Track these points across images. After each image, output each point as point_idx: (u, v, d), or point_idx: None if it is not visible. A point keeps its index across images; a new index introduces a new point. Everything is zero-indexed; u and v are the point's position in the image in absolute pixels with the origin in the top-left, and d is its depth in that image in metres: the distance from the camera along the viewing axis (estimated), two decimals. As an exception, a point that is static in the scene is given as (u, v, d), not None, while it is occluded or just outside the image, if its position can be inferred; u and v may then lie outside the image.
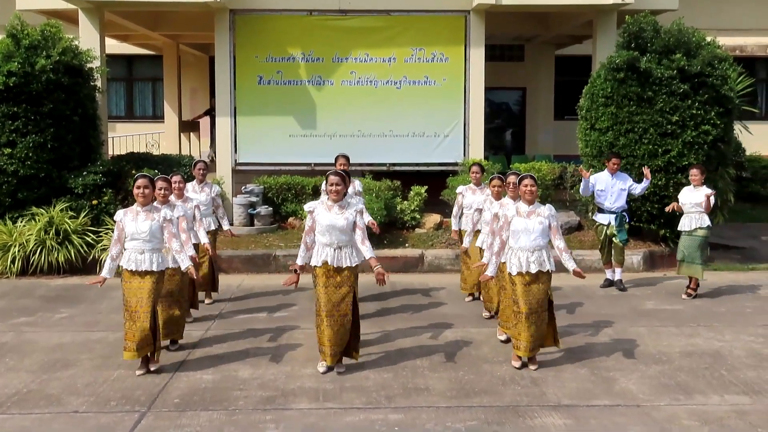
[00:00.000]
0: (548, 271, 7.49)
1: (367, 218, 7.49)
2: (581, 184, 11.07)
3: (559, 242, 7.54)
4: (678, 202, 10.61)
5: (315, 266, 7.35)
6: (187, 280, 8.37)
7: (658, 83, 11.96)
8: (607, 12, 14.11)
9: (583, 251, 12.24)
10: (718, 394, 6.91)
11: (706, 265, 10.68)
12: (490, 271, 7.61)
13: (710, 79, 11.98)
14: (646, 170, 10.99)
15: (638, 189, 10.95)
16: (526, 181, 7.49)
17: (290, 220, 13.60)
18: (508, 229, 7.51)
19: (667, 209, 10.86)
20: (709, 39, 12.44)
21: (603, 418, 6.37)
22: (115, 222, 7.39)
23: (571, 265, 7.52)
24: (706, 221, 10.41)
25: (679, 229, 10.67)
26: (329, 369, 7.40)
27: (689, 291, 10.60)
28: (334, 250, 7.25)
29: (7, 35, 12.26)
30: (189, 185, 9.85)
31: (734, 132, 13.07)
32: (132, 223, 7.24)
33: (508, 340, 8.18)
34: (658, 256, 12.51)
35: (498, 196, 8.82)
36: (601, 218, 11.00)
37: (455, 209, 10.15)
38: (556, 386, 7.08)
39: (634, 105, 12.12)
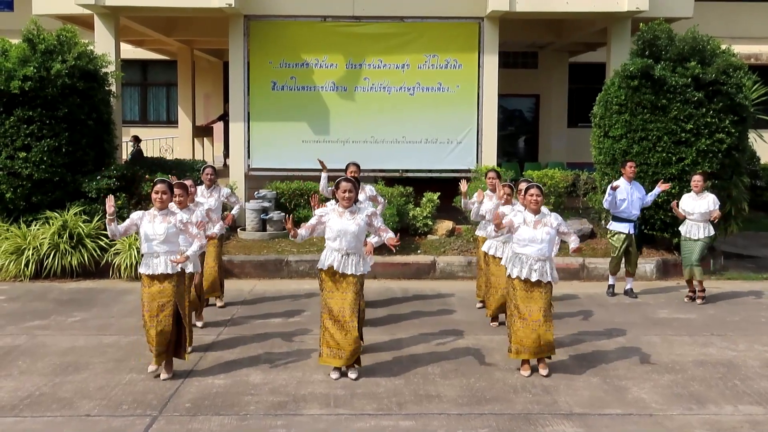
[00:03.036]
0: (549, 282, 7.50)
1: (387, 235, 7.43)
2: (608, 197, 10.72)
3: (573, 238, 7.71)
4: (678, 207, 10.71)
5: (321, 269, 7.40)
6: (184, 291, 8.29)
7: (672, 91, 11.91)
8: (621, 19, 14.09)
9: (596, 259, 12.20)
10: (731, 404, 6.87)
11: (701, 267, 10.66)
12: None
13: (725, 87, 11.93)
14: (662, 185, 10.87)
15: (650, 197, 10.91)
16: (532, 191, 7.52)
17: (302, 225, 13.58)
18: (509, 231, 7.57)
19: (672, 205, 10.83)
20: (723, 47, 12.39)
21: (615, 427, 6.35)
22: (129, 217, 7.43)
23: (573, 244, 7.71)
24: (712, 230, 10.53)
25: (682, 234, 10.71)
26: (341, 375, 7.40)
27: (700, 295, 10.63)
28: (342, 256, 7.29)
29: (24, 40, 12.34)
30: (198, 189, 9.87)
31: (749, 140, 13.01)
32: (149, 224, 7.29)
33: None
34: (671, 264, 12.44)
35: (508, 202, 9.08)
36: (620, 227, 10.91)
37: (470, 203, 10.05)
38: (568, 394, 7.05)
39: (648, 113, 12.08)
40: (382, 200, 10.13)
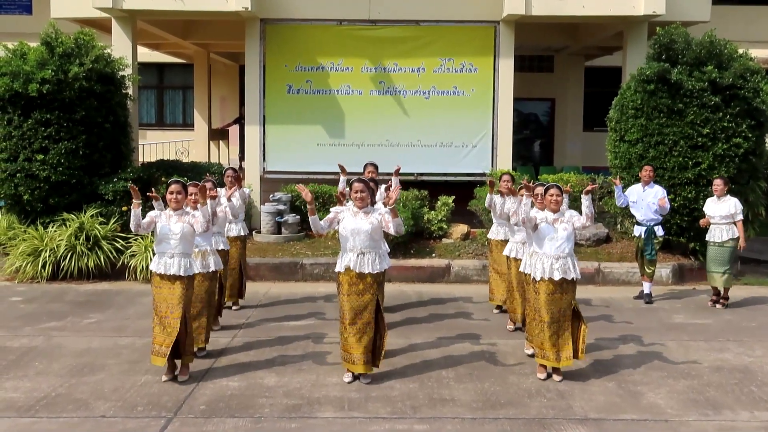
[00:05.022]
0: (573, 279, 7.46)
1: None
2: (615, 194, 11.06)
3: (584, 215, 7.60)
4: (705, 216, 10.69)
5: (338, 272, 7.40)
6: (215, 288, 8.42)
7: (689, 95, 11.87)
8: (637, 23, 14.04)
9: (611, 263, 12.15)
10: (747, 410, 6.82)
11: (733, 276, 10.64)
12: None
13: (742, 91, 11.88)
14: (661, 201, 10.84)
15: (665, 207, 10.85)
16: (552, 191, 7.51)
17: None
18: (531, 225, 7.52)
19: (701, 223, 10.83)
20: (741, 51, 12.33)
21: (630, 432, 6.33)
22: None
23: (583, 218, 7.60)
24: (736, 233, 10.43)
25: (707, 239, 10.69)
26: (355, 378, 7.41)
27: (722, 301, 10.59)
28: (357, 255, 7.27)
29: (42, 43, 12.43)
30: (220, 191, 9.93)
31: (766, 145, 12.93)
32: (165, 224, 7.33)
33: (534, 355, 8.11)
34: (688, 269, 12.38)
35: (509, 192, 9.16)
36: (636, 230, 10.99)
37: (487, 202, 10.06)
38: (583, 399, 7.03)
39: (665, 117, 12.03)
40: None
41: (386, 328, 7.51)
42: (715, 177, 10.93)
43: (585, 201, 7.58)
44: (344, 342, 7.35)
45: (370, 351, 7.34)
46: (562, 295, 7.43)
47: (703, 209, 10.84)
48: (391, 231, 7.29)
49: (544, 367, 7.56)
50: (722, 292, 10.67)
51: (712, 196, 10.81)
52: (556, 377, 7.50)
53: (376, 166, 9.87)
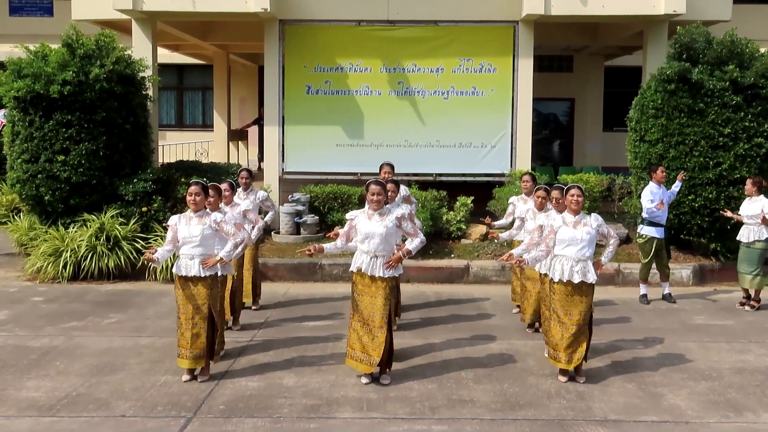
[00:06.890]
0: (591, 283, 7.42)
1: (411, 245, 7.42)
2: (653, 207, 10.64)
3: (612, 241, 7.60)
4: (739, 214, 10.72)
5: (352, 271, 7.43)
6: (219, 294, 8.29)
7: (709, 95, 11.79)
8: (658, 23, 13.96)
9: (631, 264, 12.07)
10: (769, 412, 6.78)
11: (763, 277, 10.54)
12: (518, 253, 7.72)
13: (764, 90, 11.79)
14: (681, 175, 11.03)
15: (674, 190, 10.96)
16: (573, 191, 7.46)
17: (336, 229, 13.50)
18: (554, 238, 7.47)
19: (724, 212, 10.79)
20: (762, 50, 12.24)
21: (650, 434, 6.29)
22: (168, 226, 7.49)
23: (605, 259, 7.58)
24: (765, 234, 10.34)
25: (737, 239, 10.63)
26: (373, 379, 7.40)
27: (752, 303, 10.51)
28: (370, 258, 7.27)
29: (63, 45, 12.51)
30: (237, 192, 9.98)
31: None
32: (185, 227, 7.35)
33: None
34: (708, 270, 12.29)
35: (541, 207, 8.86)
36: (657, 232, 10.84)
37: (504, 219, 10.08)
38: (603, 401, 6.99)
39: (685, 117, 11.95)
40: (415, 202, 10.13)
41: (393, 336, 7.51)
42: (748, 177, 10.87)
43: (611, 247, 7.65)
44: (356, 340, 7.36)
45: (379, 353, 7.29)
46: (581, 298, 7.39)
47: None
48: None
49: (567, 369, 7.53)
50: (753, 294, 10.60)
51: (734, 197, 10.73)
52: (579, 378, 7.47)
53: (392, 166, 9.86)
